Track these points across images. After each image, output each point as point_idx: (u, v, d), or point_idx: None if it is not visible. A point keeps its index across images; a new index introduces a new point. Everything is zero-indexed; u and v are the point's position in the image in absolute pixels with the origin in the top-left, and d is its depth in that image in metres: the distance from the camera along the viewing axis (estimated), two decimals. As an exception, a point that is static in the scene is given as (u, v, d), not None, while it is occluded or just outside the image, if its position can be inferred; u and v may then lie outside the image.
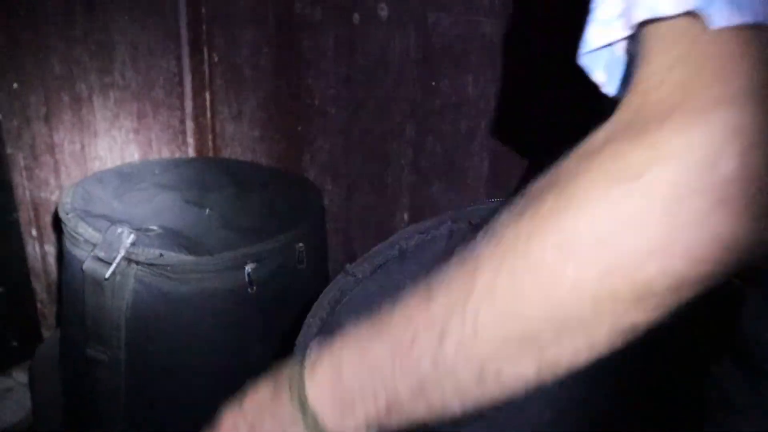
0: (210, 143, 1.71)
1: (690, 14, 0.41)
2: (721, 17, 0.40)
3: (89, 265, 1.17)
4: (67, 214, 1.24)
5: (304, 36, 1.46)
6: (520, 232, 0.43)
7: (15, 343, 2.16)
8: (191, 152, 1.74)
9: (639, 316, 0.41)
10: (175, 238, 1.21)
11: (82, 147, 1.96)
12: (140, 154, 1.84)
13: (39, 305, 2.27)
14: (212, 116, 1.70)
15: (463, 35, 1.28)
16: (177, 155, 1.76)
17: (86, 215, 1.24)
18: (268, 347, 1.24)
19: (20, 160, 2.18)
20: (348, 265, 0.78)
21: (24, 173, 2.19)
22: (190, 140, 1.74)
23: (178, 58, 1.67)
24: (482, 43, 1.26)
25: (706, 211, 0.38)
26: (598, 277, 0.40)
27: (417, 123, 1.38)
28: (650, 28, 0.43)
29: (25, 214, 2.22)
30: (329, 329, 0.73)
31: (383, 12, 1.35)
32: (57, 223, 1.29)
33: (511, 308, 0.43)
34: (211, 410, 1.30)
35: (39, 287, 2.27)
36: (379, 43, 1.37)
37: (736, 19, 0.39)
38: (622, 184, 0.39)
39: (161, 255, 1.15)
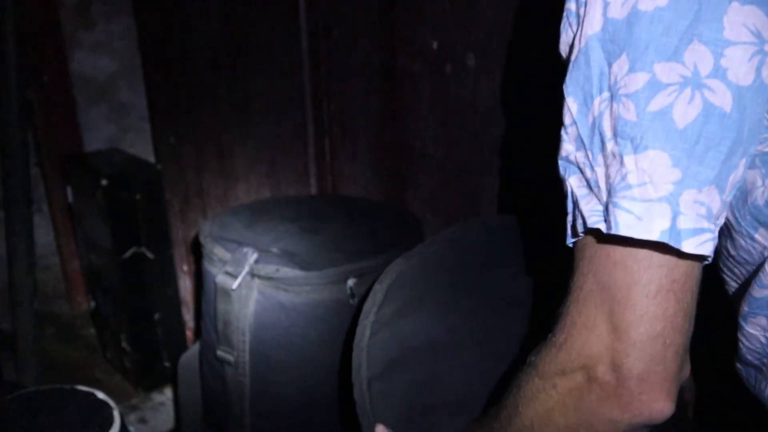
0: (329, 183, 1.95)
1: (593, 232, 0.63)
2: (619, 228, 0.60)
3: (220, 278, 1.41)
4: (205, 238, 1.50)
5: (405, 85, 1.67)
6: (507, 417, 0.72)
7: (167, 364, 2.46)
8: (314, 191, 1.98)
9: None
10: (291, 257, 1.43)
11: (225, 191, 2.26)
12: (271, 194, 2.11)
13: (188, 332, 2.58)
14: (331, 159, 1.93)
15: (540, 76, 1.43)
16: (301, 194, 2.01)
17: (220, 239, 1.49)
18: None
19: (176, 204, 2.53)
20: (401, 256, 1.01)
21: (179, 215, 2.54)
22: (313, 181, 1.98)
23: (302, 109, 1.93)
24: (555, 82, 1.41)
25: (598, 402, 0.63)
26: None
27: (503, 158, 1.54)
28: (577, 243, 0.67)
29: (178, 252, 2.55)
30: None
31: (471, 62, 1.53)
32: (199, 250, 1.55)
33: None
34: (321, 405, 1.49)
35: (188, 316, 2.59)
36: (469, 89, 1.55)
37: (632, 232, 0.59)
38: (549, 392, 0.66)
39: (278, 270, 1.38)
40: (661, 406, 0.61)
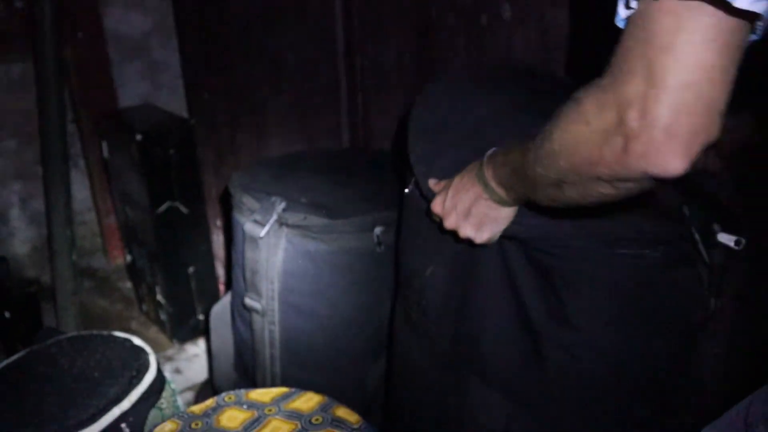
0: (361, 138, 1.94)
1: None
2: None
3: (249, 226, 1.42)
4: (235, 188, 1.51)
5: (439, 39, 1.65)
6: (542, 139, 0.79)
7: (201, 317, 2.50)
8: (346, 146, 1.98)
9: (603, 188, 0.74)
10: (318, 206, 1.43)
11: (257, 146, 2.27)
12: (303, 149, 2.11)
13: (221, 286, 2.62)
14: (364, 114, 1.92)
15: (574, 28, 1.40)
16: (332, 149, 2.00)
17: (249, 189, 1.50)
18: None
19: (209, 160, 2.54)
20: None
21: (212, 171, 2.56)
22: (345, 136, 1.97)
23: (335, 65, 1.91)
24: (588, 35, 1.38)
25: (621, 147, 0.66)
26: (573, 167, 0.75)
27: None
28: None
29: (211, 207, 2.57)
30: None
31: (507, 13, 1.50)
32: (231, 203, 1.56)
33: (543, 171, 0.80)
34: (349, 353, 1.50)
35: (221, 271, 2.62)
36: (504, 41, 1.52)
37: None
38: (581, 126, 0.71)
39: (305, 218, 1.38)
40: (678, 163, 0.64)
